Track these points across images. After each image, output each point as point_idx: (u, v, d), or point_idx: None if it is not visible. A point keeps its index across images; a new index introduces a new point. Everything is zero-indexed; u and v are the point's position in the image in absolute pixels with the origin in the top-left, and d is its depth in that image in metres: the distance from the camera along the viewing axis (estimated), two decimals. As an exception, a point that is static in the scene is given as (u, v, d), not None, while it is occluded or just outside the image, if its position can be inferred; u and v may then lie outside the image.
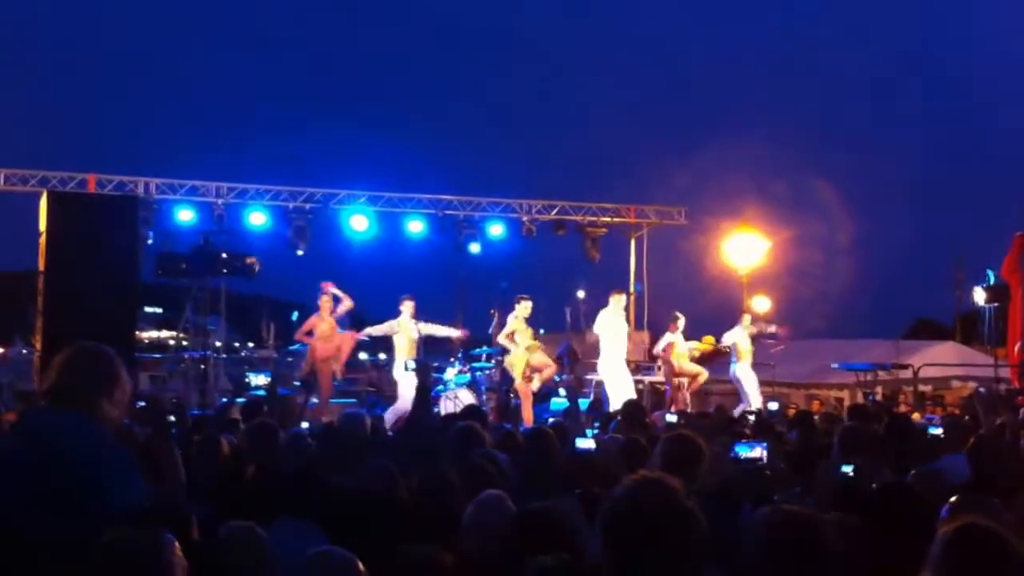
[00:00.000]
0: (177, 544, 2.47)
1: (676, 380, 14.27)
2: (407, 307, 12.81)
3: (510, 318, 12.77)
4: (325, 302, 13.06)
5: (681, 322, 14.50)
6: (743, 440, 5.69)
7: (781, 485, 4.47)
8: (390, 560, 2.75)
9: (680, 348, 14.47)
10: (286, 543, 2.96)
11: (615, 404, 11.75)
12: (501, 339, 12.79)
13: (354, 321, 16.36)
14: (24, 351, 18.65)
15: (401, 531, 3.32)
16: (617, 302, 13.29)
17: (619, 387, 12.68)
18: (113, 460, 2.94)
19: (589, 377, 15.27)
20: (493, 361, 14.08)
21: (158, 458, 4.71)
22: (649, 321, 19.71)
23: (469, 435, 5.75)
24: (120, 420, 3.10)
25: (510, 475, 4.82)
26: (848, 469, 4.40)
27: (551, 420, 9.80)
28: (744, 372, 14.48)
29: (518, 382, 12.62)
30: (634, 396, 12.34)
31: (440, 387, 12.99)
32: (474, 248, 18.02)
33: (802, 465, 5.07)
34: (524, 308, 12.78)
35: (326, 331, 12.96)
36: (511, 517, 3.47)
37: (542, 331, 19.35)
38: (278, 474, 3.99)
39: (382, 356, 20.59)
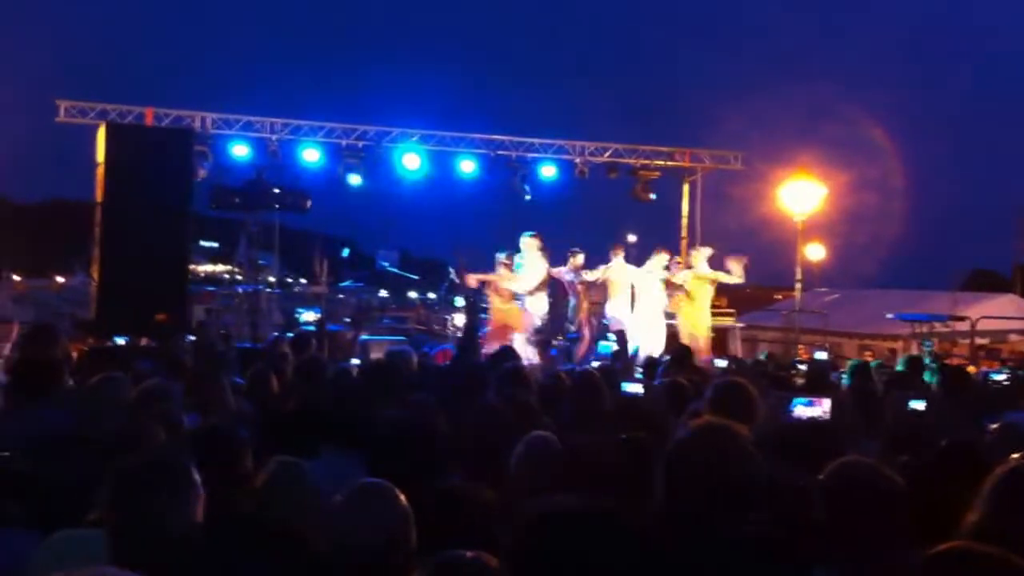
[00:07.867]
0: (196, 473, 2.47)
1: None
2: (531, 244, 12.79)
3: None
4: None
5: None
6: (798, 394, 5.42)
7: (850, 440, 4.23)
8: (430, 495, 2.74)
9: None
10: (328, 475, 2.97)
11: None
12: None
13: (404, 260, 16.38)
14: (81, 281, 19.00)
15: (442, 464, 3.31)
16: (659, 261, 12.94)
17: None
18: None
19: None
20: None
21: (207, 389, 4.78)
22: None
23: (516, 375, 5.74)
24: None
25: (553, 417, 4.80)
26: (919, 404, 4.27)
27: (597, 364, 9.77)
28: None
29: None
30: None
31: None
32: (527, 190, 17.90)
33: (859, 415, 4.94)
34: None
35: None
36: (559, 456, 3.44)
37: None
38: (321, 408, 3.99)
39: (431, 295, 20.68)
